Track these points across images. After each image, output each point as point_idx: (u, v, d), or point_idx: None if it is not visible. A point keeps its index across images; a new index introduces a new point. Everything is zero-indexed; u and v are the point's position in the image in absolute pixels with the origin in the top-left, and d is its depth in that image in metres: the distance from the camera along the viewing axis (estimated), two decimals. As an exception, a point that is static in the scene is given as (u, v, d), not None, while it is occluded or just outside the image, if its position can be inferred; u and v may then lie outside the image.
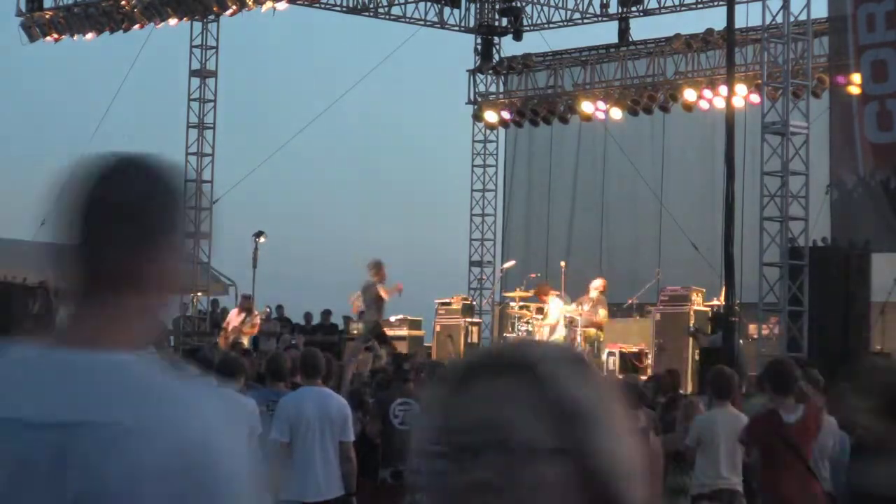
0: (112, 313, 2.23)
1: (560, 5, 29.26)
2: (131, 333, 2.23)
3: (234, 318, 23.97)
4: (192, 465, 2.13)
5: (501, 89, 30.43)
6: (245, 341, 23.37)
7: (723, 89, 23.66)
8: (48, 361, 2.21)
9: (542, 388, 1.59)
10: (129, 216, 2.23)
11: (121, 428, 2.13)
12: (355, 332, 25.95)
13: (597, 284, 22.59)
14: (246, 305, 23.98)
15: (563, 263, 23.79)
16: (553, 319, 21.93)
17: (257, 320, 24.13)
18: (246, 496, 2.19)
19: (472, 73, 30.65)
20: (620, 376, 18.91)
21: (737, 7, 19.34)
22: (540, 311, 23.03)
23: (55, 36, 27.67)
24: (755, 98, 23.68)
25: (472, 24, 30.43)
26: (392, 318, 25.46)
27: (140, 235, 2.24)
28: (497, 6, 30.30)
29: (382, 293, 21.37)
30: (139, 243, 2.23)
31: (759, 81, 22.04)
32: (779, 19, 20.59)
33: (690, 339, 21.56)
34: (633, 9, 27.86)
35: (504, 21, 30.38)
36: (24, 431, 2.16)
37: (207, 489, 2.14)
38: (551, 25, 29.59)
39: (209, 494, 2.14)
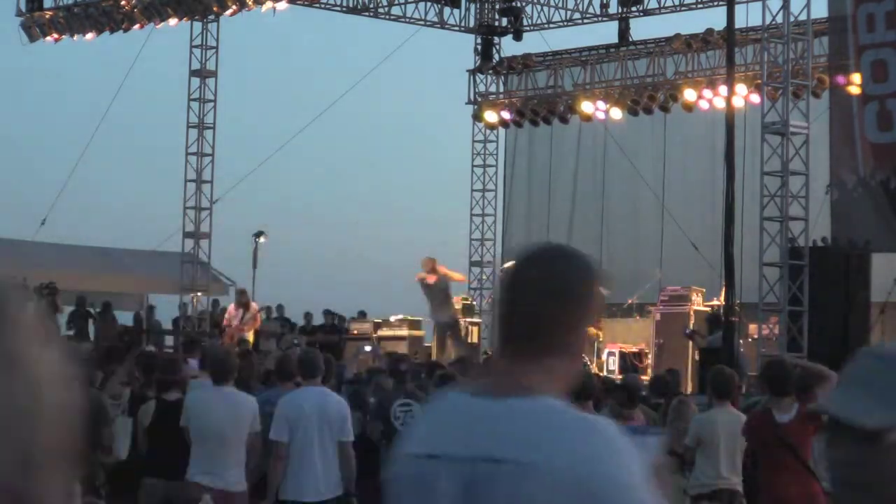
0: (533, 368, 2.69)
1: (560, 5, 29.26)
2: (546, 385, 2.67)
3: (232, 316, 23.98)
4: (594, 498, 2.49)
5: (501, 89, 30.42)
6: (250, 338, 23.44)
7: (723, 89, 23.65)
8: (473, 406, 2.69)
9: None
10: (551, 293, 2.72)
11: (519, 465, 2.55)
12: (355, 331, 26.02)
13: None
14: (242, 300, 24.00)
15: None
16: None
17: (256, 311, 24.17)
18: None
19: (472, 73, 30.65)
20: (620, 376, 18.94)
21: (737, 7, 19.35)
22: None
23: (55, 36, 27.66)
24: (755, 98, 23.67)
25: (472, 24, 30.43)
26: (392, 318, 25.51)
27: (560, 308, 2.72)
28: (497, 6, 30.30)
29: (455, 278, 23.53)
30: (559, 315, 2.72)
31: (759, 81, 22.03)
32: (779, 19, 20.59)
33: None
34: (633, 9, 27.85)
35: (504, 21, 30.37)
36: (445, 466, 2.65)
37: None
38: (551, 25, 29.58)
39: None
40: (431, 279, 22.76)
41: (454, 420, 2.70)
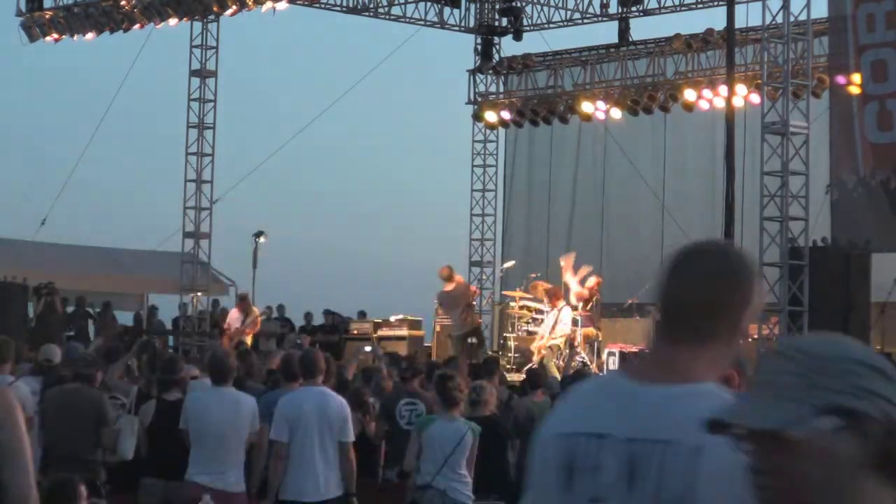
0: (695, 355, 2.85)
1: (560, 5, 29.25)
2: (707, 371, 2.83)
3: (234, 319, 23.98)
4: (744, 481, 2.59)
5: (501, 89, 30.42)
6: (248, 340, 23.42)
7: (723, 89, 23.65)
8: (633, 390, 2.83)
9: None
10: (718, 284, 2.88)
11: (685, 446, 2.69)
12: (355, 331, 26.01)
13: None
14: (244, 305, 24.02)
15: (563, 263, 23.79)
16: (567, 330, 21.96)
17: (257, 316, 24.18)
18: None
19: (472, 73, 30.64)
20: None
21: (737, 7, 19.37)
22: (540, 311, 23.05)
23: (55, 36, 27.65)
24: (755, 98, 23.67)
25: (472, 24, 30.42)
26: (392, 318, 25.51)
27: (726, 300, 2.89)
28: (497, 6, 30.29)
29: (472, 292, 23.82)
30: (724, 305, 2.88)
31: (759, 81, 22.03)
32: (779, 19, 20.58)
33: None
34: (633, 9, 27.83)
35: (504, 21, 30.36)
36: (604, 445, 2.78)
37: None
38: (551, 25, 29.58)
39: None
40: (449, 286, 22.73)
41: (613, 402, 2.83)
